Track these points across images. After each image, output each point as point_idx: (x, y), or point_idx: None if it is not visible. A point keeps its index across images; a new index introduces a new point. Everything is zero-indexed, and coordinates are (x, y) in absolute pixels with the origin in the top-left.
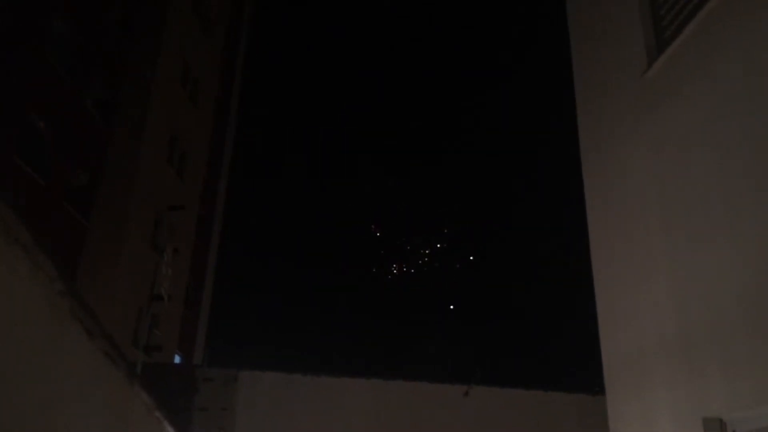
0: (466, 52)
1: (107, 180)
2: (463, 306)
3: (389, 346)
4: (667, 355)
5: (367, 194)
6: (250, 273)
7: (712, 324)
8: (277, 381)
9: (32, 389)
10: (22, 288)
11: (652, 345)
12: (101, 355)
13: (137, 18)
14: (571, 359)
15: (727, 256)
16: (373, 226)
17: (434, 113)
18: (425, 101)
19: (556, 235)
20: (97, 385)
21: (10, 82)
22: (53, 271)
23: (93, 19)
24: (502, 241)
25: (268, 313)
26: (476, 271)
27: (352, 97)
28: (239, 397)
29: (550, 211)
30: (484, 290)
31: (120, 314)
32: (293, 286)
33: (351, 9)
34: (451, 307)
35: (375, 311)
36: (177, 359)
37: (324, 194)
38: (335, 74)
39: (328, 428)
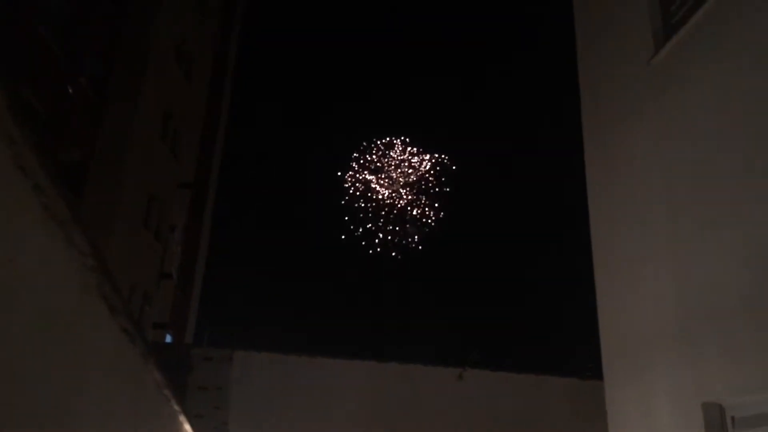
0: (465, 33)
1: (99, 157)
2: (460, 289)
3: (385, 327)
4: (667, 339)
5: (365, 173)
6: (244, 252)
7: (713, 309)
8: (271, 361)
9: (59, 359)
10: (55, 262)
11: (652, 329)
12: (121, 332)
13: None
14: (566, 344)
15: (730, 241)
16: (370, 207)
17: (439, 94)
18: (429, 85)
19: (554, 220)
20: (118, 362)
21: (1, 58)
22: (86, 247)
23: None
24: (498, 224)
25: (262, 293)
26: (472, 254)
27: (348, 77)
28: (234, 376)
29: (549, 195)
30: (480, 274)
31: None
32: (288, 267)
33: None
34: (448, 290)
35: (372, 293)
36: (168, 338)
37: (320, 174)
38: (331, 52)
39: (322, 409)
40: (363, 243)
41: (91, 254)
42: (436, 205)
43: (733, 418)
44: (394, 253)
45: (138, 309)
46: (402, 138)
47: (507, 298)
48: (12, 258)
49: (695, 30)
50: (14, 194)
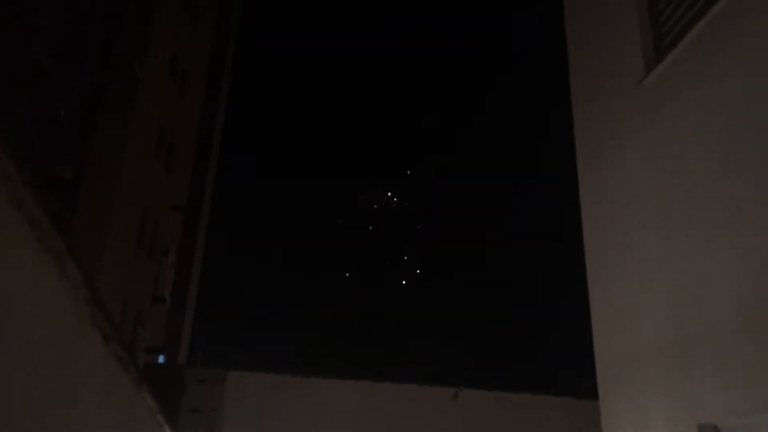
0: (459, 55)
1: (93, 173)
2: (454, 309)
3: (379, 348)
4: (663, 359)
5: (361, 195)
6: (238, 272)
7: (709, 329)
8: (265, 382)
9: (51, 390)
10: (50, 295)
11: (647, 349)
12: (114, 360)
13: (126, 8)
14: (561, 363)
15: (725, 261)
16: (365, 228)
17: (432, 113)
18: (421, 100)
19: (548, 239)
20: (110, 390)
21: None
22: (79, 279)
23: (81, 8)
24: (494, 243)
25: (256, 313)
26: (467, 274)
27: (346, 92)
28: (228, 397)
29: (544, 215)
30: (475, 294)
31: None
32: (283, 286)
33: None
34: (442, 310)
35: (365, 313)
36: (161, 359)
37: (316, 193)
38: (328, 68)
39: (316, 430)
40: (359, 263)
41: (85, 285)
42: (433, 227)
43: None
44: (391, 276)
45: (130, 330)
46: (400, 153)
47: (503, 317)
48: (7, 290)
49: (686, 52)
50: (9, 228)
